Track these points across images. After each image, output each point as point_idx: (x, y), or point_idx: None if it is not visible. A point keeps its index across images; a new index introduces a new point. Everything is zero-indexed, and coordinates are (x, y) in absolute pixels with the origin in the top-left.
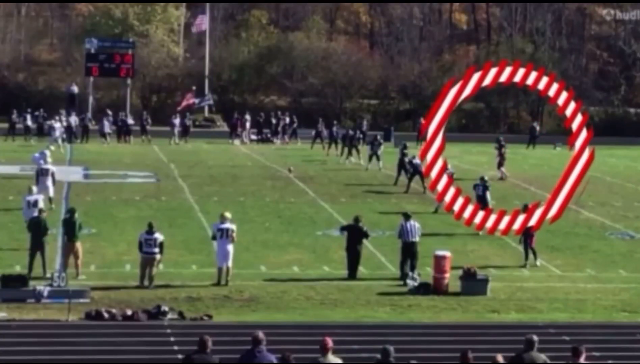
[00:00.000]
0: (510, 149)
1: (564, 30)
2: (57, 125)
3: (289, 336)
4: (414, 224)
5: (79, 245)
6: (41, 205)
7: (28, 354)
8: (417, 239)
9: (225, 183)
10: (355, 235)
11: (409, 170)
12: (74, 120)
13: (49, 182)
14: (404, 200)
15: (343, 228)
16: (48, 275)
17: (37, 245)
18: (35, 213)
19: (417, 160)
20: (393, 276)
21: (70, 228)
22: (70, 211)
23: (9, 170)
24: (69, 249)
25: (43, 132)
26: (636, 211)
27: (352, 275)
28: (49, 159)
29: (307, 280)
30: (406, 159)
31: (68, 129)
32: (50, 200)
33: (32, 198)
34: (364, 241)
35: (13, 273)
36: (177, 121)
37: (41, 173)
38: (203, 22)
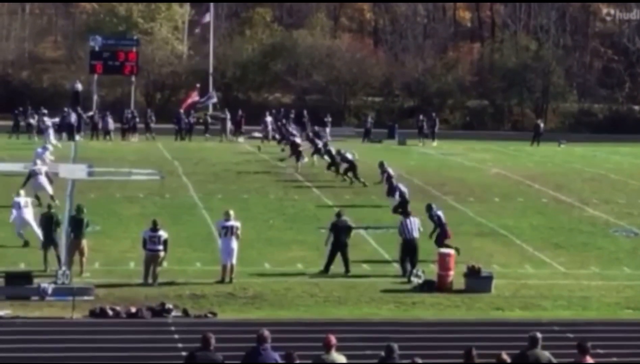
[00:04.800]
0: (514, 146)
1: (568, 27)
2: (49, 123)
3: (293, 334)
4: (414, 220)
5: (85, 242)
6: (29, 206)
7: (32, 352)
8: (417, 235)
9: (229, 181)
10: (342, 230)
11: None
12: (74, 117)
13: (45, 182)
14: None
15: (332, 228)
16: (59, 271)
17: (49, 241)
18: (27, 215)
19: (349, 154)
20: (397, 273)
21: (78, 226)
22: (78, 209)
23: (12, 168)
24: (75, 246)
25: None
26: None
27: (347, 270)
28: (49, 154)
29: (311, 277)
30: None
31: (69, 127)
32: (52, 197)
33: (21, 200)
34: (367, 237)
35: (17, 270)
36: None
37: (33, 174)
38: (206, 17)
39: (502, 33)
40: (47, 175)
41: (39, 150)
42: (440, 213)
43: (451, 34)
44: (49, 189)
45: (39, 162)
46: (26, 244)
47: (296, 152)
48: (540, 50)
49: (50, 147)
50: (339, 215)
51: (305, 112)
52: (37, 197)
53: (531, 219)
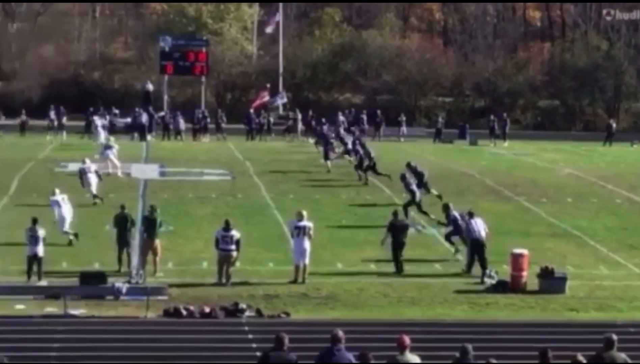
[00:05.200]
0: (586, 147)
1: None
2: (99, 122)
3: (367, 334)
4: (479, 220)
5: (158, 242)
6: (67, 203)
7: (107, 351)
8: (483, 234)
9: (301, 181)
10: (400, 229)
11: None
12: (145, 118)
13: (93, 179)
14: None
15: (389, 228)
16: (133, 271)
17: (123, 241)
18: (65, 212)
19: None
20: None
21: (150, 226)
22: (152, 209)
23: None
24: (148, 246)
25: (114, 130)
26: None
27: (400, 270)
28: (115, 152)
29: (384, 277)
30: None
31: (141, 127)
32: (94, 196)
33: (58, 197)
34: (439, 237)
35: (92, 270)
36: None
37: (82, 171)
38: (274, 20)
39: (573, 32)
40: (97, 173)
41: (104, 150)
42: (456, 213)
43: (521, 34)
44: (94, 188)
45: (87, 160)
46: (70, 243)
47: (326, 152)
48: (611, 49)
49: (115, 146)
50: (395, 214)
51: (379, 112)
52: (100, 198)
53: (605, 220)
